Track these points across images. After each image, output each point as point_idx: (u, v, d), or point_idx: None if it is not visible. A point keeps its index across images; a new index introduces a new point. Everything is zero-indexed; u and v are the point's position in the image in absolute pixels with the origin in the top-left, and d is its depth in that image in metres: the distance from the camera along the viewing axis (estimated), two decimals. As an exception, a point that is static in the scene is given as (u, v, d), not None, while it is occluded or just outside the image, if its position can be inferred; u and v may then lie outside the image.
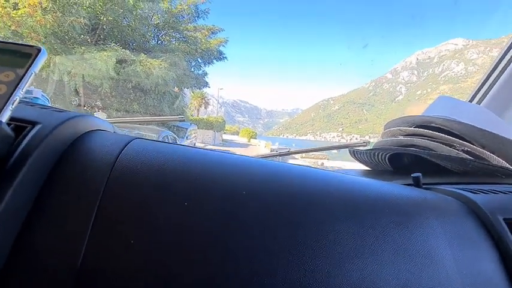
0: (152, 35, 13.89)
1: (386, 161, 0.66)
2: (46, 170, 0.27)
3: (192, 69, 15.05)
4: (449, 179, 0.53)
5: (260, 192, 0.30)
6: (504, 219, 0.36)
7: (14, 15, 7.51)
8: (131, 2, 11.10)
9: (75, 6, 8.64)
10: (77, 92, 10.67)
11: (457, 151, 0.56)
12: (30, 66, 0.27)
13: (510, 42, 0.87)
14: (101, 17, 10.30)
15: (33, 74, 0.28)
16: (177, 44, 13.75)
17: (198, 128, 22.28)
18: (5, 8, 7.43)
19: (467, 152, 0.57)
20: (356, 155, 0.74)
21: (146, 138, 0.37)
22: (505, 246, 0.34)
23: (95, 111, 10.58)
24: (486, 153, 0.56)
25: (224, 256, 0.26)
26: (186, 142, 15.45)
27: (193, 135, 17.69)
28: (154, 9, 12.24)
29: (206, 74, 16.50)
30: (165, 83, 10.96)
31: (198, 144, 20.57)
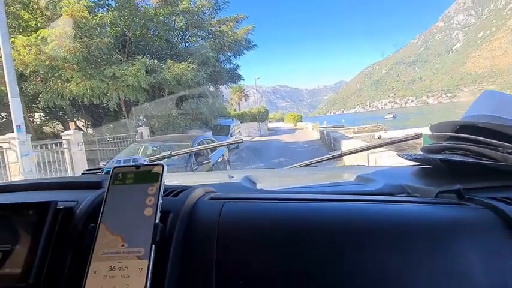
0: (179, 39, 13.78)
1: (439, 161, 0.67)
2: (179, 242, 0.41)
3: (223, 65, 14.66)
4: (492, 182, 0.55)
5: (333, 241, 0.39)
6: None
7: (46, 49, 7.80)
8: (151, 11, 11.01)
9: (98, 28, 8.71)
10: (120, 110, 11.03)
11: (502, 153, 0.57)
12: (161, 178, 0.43)
13: None
14: (126, 32, 10.37)
15: (164, 183, 0.43)
16: (203, 42, 13.44)
17: (242, 122, 22.14)
18: (38, 45, 7.75)
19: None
20: (405, 158, 0.77)
21: None
22: None
23: (139, 126, 10.82)
24: None
25: (329, 281, 0.36)
26: (231, 139, 15.31)
27: (237, 130, 17.47)
28: (175, 13, 12.01)
29: (238, 66, 16.02)
30: (196, 85, 10.71)
31: (244, 138, 20.47)
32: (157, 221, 0.40)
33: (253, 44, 15.54)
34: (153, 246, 0.38)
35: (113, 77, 8.75)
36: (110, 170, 0.70)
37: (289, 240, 0.40)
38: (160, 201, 0.42)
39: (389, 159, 4.80)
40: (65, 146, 6.78)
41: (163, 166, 0.45)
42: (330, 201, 0.49)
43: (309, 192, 0.63)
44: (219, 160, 5.86)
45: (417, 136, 1.15)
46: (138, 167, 0.46)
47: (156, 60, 9.88)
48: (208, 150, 5.64)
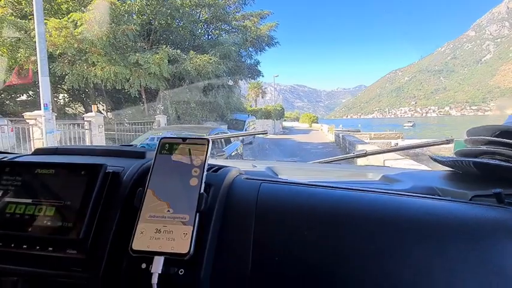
0: (202, 31, 13.91)
1: (472, 166, 0.65)
2: (219, 214, 0.44)
3: (244, 60, 14.68)
4: None
5: (360, 223, 0.41)
6: None
7: (75, 33, 8.06)
8: (178, 2, 11.15)
9: (125, 15, 8.91)
10: (140, 97, 11.29)
11: None
12: (207, 152, 0.46)
13: None
14: (152, 21, 10.57)
15: (209, 157, 0.46)
16: (227, 36, 13.51)
17: (257, 119, 22.17)
18: (68, 27, 8.02)
19: None
20: (439, 160, 0.74)
21: None
22: None
23: (157, 114, 11.04)
24: None
25: (344, 264, 0.39)
26: (246, 134, 15.33)
27: (252, 126, 17.51)
28: (201, 4, 12.11)
29: (259, 62, 16.02)
30: (216, 77, 10.79)
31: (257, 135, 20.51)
32: (202, 191, 0.43)
33: (275, 41, 15.49)
34: (197, 214, 0.41)
35: (136, 64, 8.96)
36: (144, 146, 0.73)
37: (325, 222, 0.42)
38: (205, 173, 0.45)
39: (406, 167, 4.70)
40: (86, 127, 7.02)
41: (208, 141, 0.47)
42: (365, 191, 0.50)
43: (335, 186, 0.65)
44: (233, 154, 5.91)
45: (448, 141, 1.11)
46: (184, 139, 0.48)
47: (178, 51, 10.02)
48: (223, 142, 5.73)
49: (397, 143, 18.20)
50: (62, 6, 9.50)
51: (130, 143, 4.96)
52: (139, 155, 0.57)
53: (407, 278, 0.36)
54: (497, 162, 0.62)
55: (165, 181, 0.45)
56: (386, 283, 0.37)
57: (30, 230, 0.42)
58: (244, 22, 14.42)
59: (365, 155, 1.14)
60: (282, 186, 0.50)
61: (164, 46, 9.92)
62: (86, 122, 7.05)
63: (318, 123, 41.38)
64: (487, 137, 0.69)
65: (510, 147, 0.62)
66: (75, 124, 6.97)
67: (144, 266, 0.39)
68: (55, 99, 11.23)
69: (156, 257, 0.38)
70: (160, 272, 0.38)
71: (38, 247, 0.41)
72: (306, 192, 0.49)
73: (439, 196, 0.57)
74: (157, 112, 11.71)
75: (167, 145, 0.48)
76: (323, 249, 0.40)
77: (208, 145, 0.47)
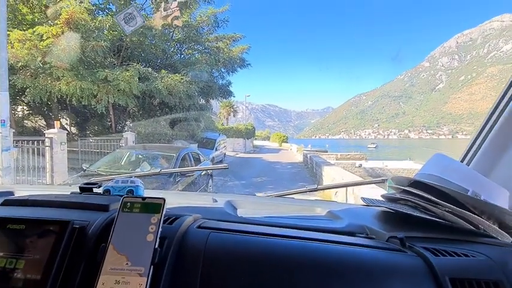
0: (175, 50, 14.00)
1: (393, 210, 0.81)
2: (171, 262, 0.51)
3: (216, 80, 14.91)
4: (430, 233, 0.66)
5: (294, 273, 0.50)
6: (449, 279, 0.50)
7: (40, 46, 7.78)
8: (151, 20, 11.22)
9: (96, 31, 8.80)
10: (107, 114, 10.95)
11: (441, 211, 0.68)
12: (162, 211, 0.54)
13: (496, 102, 0.90)
14: (123, 38, 10.49)
15: (164, 214, 0.54)
16: (199, 56, 13.70)
17: (228, 137, 22.23)
18: (32, 40, 7.74)
19: (449, 212, 0.68)
20: (367, 202, 0.92)
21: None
22: None
23: (125, 131, 10.75)
24: (466, 213, 0.67)
25: None
26: (215, 153, 15.33)
27: (223, 145, 17.54)
28: (174, 24, 12.28)
29: (230, 83, 16.31)
30: (188, 97, 10.83)
31: (228, 153, 20.54)
32: (156, 246, 0.50)
33: (247, 63, 15.96)
34: (152, 266, 0.47)
35: (105, 80, 8.76)
36: (108, 190, 0.80)
37: (260, 271, 0.50)
38: (160, 229, 0.52)
39: (367, 190, 5.04)
40: (47, 144, 6.67)
41: (164, 200, 0.55)
42: (299, 239, 0.59)
43: (283, 224, 0.73)
44: (202, 174, 5.92)
45: (383, 181, 1.27)
46: (144, 198, 0.56)
47: (150, 69, 9.98)
48: (193, 162, 5.71)
49: (361, 164, 19.19)
50: (27, 17, 9.17)
51: (93, 169, 4.76)
52: (104, 207, 0.64)
53: None
54: (405, 209, 0.74)
55: (125, 236, 0.51)
56: None
57: (1, 283, 0.46)
58: (217, 44, 14.77)
59: (315, 189, 1.32)
60: (228, 236, 0.59)
61: (135, 63, 9.83)
62: (47, 139, 6.70)
63: (287, 142, 42.34)
64: (403, 187, 0.82)
65: (417, 196, 0.75)
66: (34, 141, 6.59)
67: None
68: (12, 111, 10.54)
69: None
70: None
71: None
72: (250, 242, 0.57)
73: (366, 235, 0.70)
74: (126, 129, 11.40)
75: (128, 204, 0.56)
76: None
77: (163, 204, 0.55)
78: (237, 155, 21.60)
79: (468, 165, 0.95)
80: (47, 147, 6.64)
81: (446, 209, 0.68)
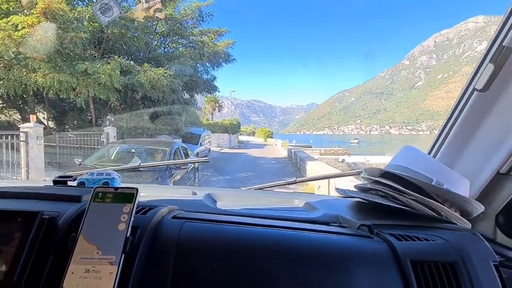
0: (158, 44, 13.70)
1: (364, 199, 0.86)
2: (144, 252, 0.51)
3: (200, 75, 14.73)
4: (396, 220, 0.70)
5: (258, 257, 0.53)
6: (410, 261, 0.54)
7: (15, 36, 7.41)
8: (133, 12, 10.90)
9: (75, 22, 8.46)
10: (88, 107, 10.60)
11: (407, 199, 0.73)
12: (135, 200, 0.54)
13: (459, 97, 0.94)
14: (104, 30, 10.14)
15: (136, 204, 0.54)
16: (183, 50, 13.46)
17: (213, 132, 22.05)
18: (6, 30, 7.34)
19: (414, 200, 0.73)
20: (340, 193, 0.97)
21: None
22: (407, 278, 0.52)
23: (106, 125, 10.44)
24: (430, 201, 0.72)
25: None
26: (199, 148, 15.18)
27: (208, 140, 17.37)
28: (158, 17, 11.99)
29: (215, 78, 16.17)
30: (171, 91, 10.65)
31: (213, 149, 20.39)
32: (128, 235, 0.50)
33: (232, 58, 15.85)
34: (123, 255, 0.47)
35: (85, 73, 8.47)
36: (83, 182, 0.80)
37: (233, 259, 0.52)
38: (132, 219, 0.52)
39: (346, 183, 5.19)
40: (22, 138, 6.39)
41: (137, 190, 0.55)
42: (272, 227, 0.61)
43: (261, 215, 0.74)
44: (190, 168, 5.98)
45: (358, 173, 1.32)
46: (116, 188, 0.56)
47: (132, 62, 9.73)
48: (183, 156, 5.77)
49: (343, 159, 19.62)
50: (1, 6, 8.68)
51: (88, 163, 4.71)
52: (76, 198, 0.63)
53: None
54: (375, 198, 0.79)
55: (96, 226, 0.51)
56: None
57: None
58: (201, 38, 14.56)
59: (294, 182, 1.37)
60: (202, 225, 0.59)
61: (117, 56, 9.56)
62: (22, 133, 6.42)
63: (273, 138, 42.53)
64: (374, 177, 0.86)
65: (387, 186, 0.79)
66: (8, 135, 6.30)
67: None
68: (-16, 105, 10.02)
69: None
70: None
71: None
72: (222, 230, 0.58)
73: (339, 224, 0.72)
74: (107, 124, 11.09)
75: (100, 194, 0.55)
76: (225, 277, 0.50)
77: (136, 194, 0.55)
78: (222, 150, 21.51)
79: (434, 157, 0.99)
80: (21, 142, 6.37)
81: (412, 198, 0.73)
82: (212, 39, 14.92)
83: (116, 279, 0.45)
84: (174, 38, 13.57)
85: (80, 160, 4.89)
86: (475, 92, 0.85)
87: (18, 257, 0.47)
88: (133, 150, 5.29)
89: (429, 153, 1.03)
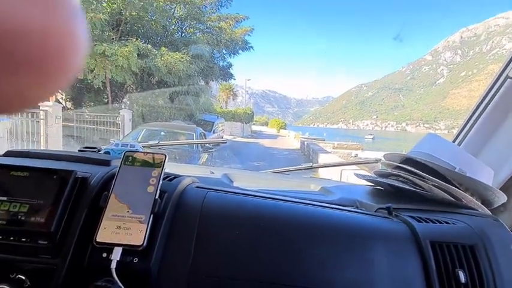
0: (176, 28, 13.68)
1: (385, 184, 0.86)
2: (170, 216, 0.54)
3: (216, 61, 14.67)
4: (417, 205, 0.70)
5: (280, 228, 0.54)
6: (430, 242, 0.54)
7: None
8: (152, -6, 10.88)
9: (94, 2, 8.53)
10: (104, 89, 10.79)
11: (428, 185, 0.73)
12: (163, 166, 0.56)
13: (490, 86, 0.90)
14: (123, 12, 10.19)
15: (164, 169, 0.56)
16: (200, 35, 13.40)
17: (226, 121, 22.10)
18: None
19: (436, 186, 0.72)
20: (360, 178, 0.97)
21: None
22: (425, 258, 0.52)
23: (122, 108, 10.62)
24: (451, 188, 0.71)
25: (272, 259, 0.51)
26: (212, 136, 15.27)
27: (221, 128, 17.41)
28: (176, 0, 11.94)
29: (231, 65, 16.09)
30: (187, 76, 10.68)
31: (226, 137, 20.47)
32: (156, 197, 0.52)
33: (249, 45, 15.68)
34: (151, 215, 0.51)
35: (103, 55, 8.59)
36: (108, 152, 0.81)
37: (252, 227, 0.54)
38: (161, 182, 0.54)
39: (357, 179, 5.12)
40: (41, 117, 6.58)
41: (165, 156, 0.58)
42: (288, 201, 0.63)
43: (277, 196, 0.75)
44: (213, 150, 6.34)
45: (377, 161, 1.33)
46: (145, 153, 0.58)
47: (149, 45, 9.79)
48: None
49: (356, 154, 19.31)
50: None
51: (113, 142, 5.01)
52: (105, 162, 0.66)
53: (311, 267, 0.51)
54: (396, 183, 0.78)
55: (126, 187, 0.54)
56: (297, 272, 0.50)
57: (5, 223, 0.48)
58: (219, 23, 14.43)
59: (311, 167, 1.34)
60: (225, 195, 0.62)
61: (134, 39, 9.63)
62: (41, 112, 6.60)
63: (286, 129, 42.29)
64: (395, 163, 0.86)
65: (408, 172, 0.79)
66: (28, 113, 6.49)
67: (105, 255, 0.48)
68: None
69: (115, 248, 0.47)
70: (118, 259, 0.47)
71: (11, 238, 0.48)
72: (243, 201, 0.61)
73: (355, 208, 0.72)
74: (123, 106, 11.27)
75: (130, 158, 0.58)
76: (247, 243, 0.52)
77: (165, 159, 0.57)
78: (235, 139, 21.58)
79: (459, 145, 0.97)
80: (41, 120, 6.56)
81: (434, 184, 0.72)
82: (230, 25, 14.77)
83: (145, 235, 0.48)
84: (192, 23, 13.51)
85: (115, 140, 5.09)
86: (508, 80, 0.81)
87: (55, 211, 0.49)
88: (163, 133, 5.67)
89: (454, 141, 1.00)
